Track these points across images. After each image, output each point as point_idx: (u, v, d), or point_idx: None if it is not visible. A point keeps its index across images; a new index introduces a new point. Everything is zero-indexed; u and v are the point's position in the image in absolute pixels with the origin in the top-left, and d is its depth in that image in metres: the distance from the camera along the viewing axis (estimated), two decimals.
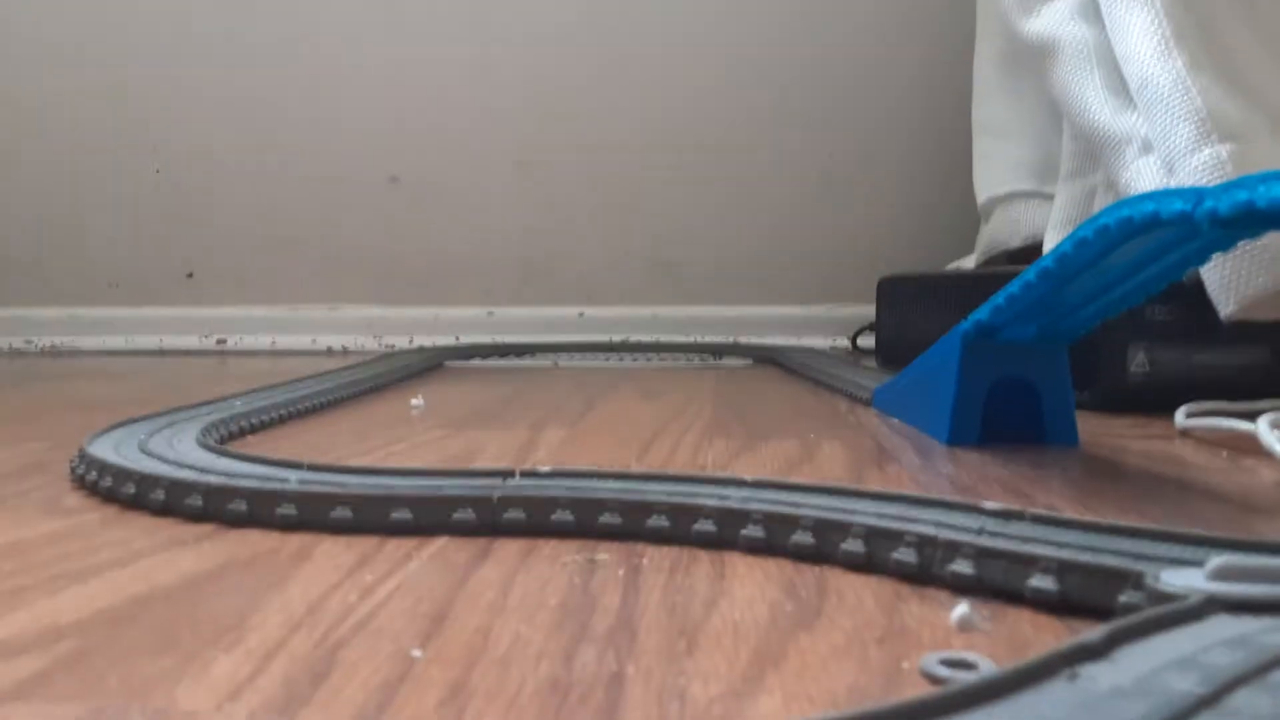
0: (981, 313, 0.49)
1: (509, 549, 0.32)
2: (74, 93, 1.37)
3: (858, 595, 0.27)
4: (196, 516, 0.35)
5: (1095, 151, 0.71)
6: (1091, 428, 0.57)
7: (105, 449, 0.42)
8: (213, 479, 0.36)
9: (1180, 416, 0.57)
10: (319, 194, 1.37)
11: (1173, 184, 0.62)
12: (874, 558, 0.29)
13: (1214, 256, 0.46)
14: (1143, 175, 0.65)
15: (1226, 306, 0.58)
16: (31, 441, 0.54)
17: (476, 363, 1.13)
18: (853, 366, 0.91)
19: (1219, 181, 0.47)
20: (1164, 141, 0.63)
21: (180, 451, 0.42)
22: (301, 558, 0.31)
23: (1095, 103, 0.70)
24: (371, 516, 0.34)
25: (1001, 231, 0.91)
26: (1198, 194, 0.34)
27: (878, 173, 1.33)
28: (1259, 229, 0.35)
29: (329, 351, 1.33)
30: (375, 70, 1.35)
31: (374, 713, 0.20)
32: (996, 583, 0.27)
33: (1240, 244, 0.54)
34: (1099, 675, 0.18)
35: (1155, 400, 0.63)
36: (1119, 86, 0.69)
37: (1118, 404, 0.65)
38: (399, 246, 1.37)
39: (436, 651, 0.23)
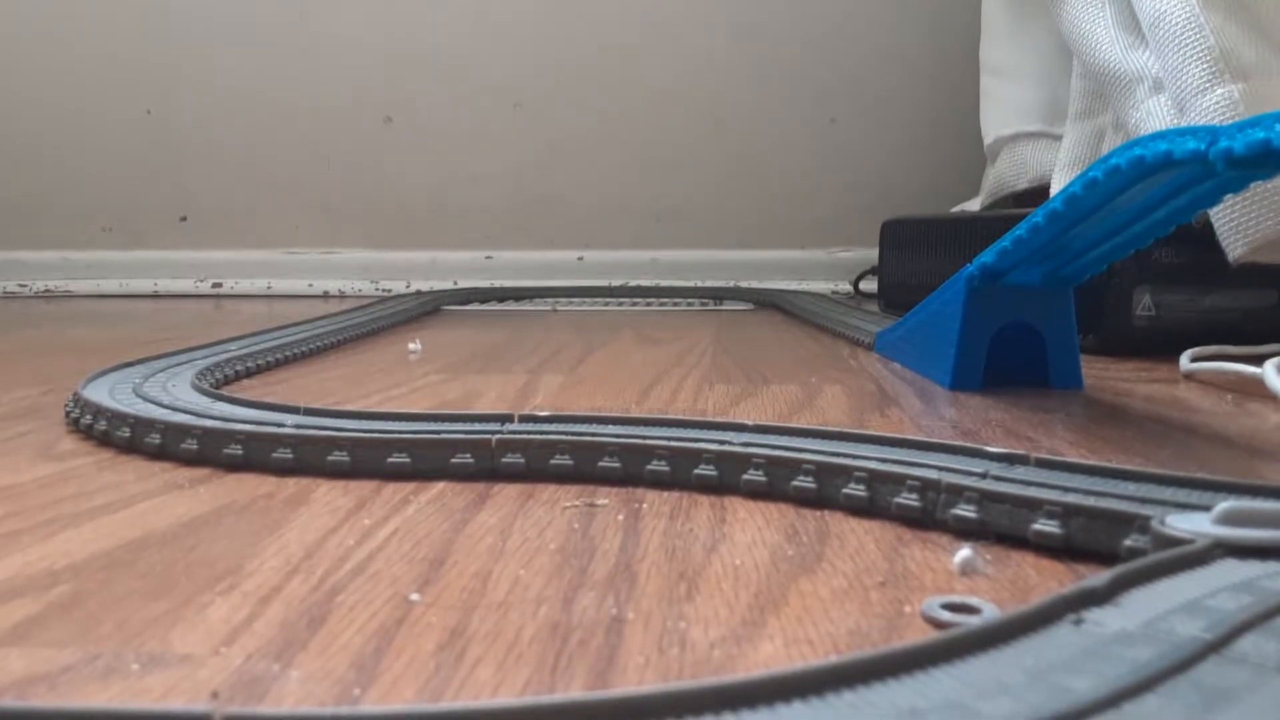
0: (987, 256, 0.48)
1: (508, 494, 0.32)
2: (65, 34, 1.35)
3: (859, 540, 0.27)
4: (192, 460, 0.35)
5: (1105, 91, 0.70)
6: (1096, 372, 0.57)
7: (100, 393, 0.42)
8: (209, 422, 0.36)
9: (1185, 360, 0.56)
10: (313, 136, 1.35)
11: (1184, 124, 0.61)
12: (876, 502, 0.29)
13: (1225, 198, 0.46)
14: (1153, 115, 0.64)
15: (1236, 249, 0.57)
16: (26, 385, 0.53)
17: (474, 307, 1.13)
18: (855, 311, 0.91)
19: (1231, 121, 0.46)
20: (1175, 80, 0.61)
21: (176, 395, 0.42)
22: (298, 502, 0.31)
23: (1106, 40, 0.68)
24: (369, 461, 0.33)
25: (1008, 173, 0.90)
26: (1212, 133, 0.33)
27: (881, 113, 1.31)
28: (1275, 169, 0.34)
29: (325, 296, 1.32)
30: (369, 8, 1.32)
31: (371, 657, 0.19)
32: (1000, 527, 0.27)
33: (1252, 186, 0.53)
34: (1104, 620, 0.18)
35: (1160, 344, 0.63)
36: (1131, 24, 0.67)
37: (1123, 348, 0.64)
38: (395, 190, 1.35)
39: (435, 596, 0.23)
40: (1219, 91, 0.59)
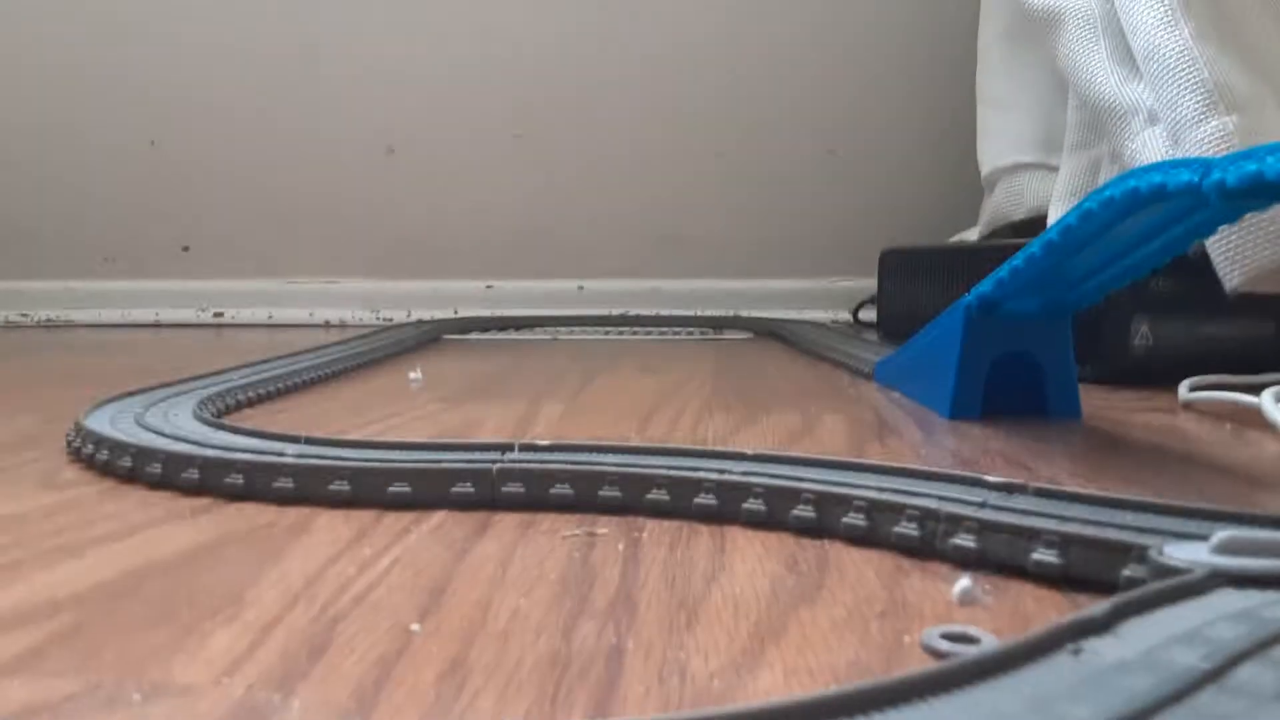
0: (984, 286, 0.48)
1: (508, 523, 0.32)
2: (69, 64, 1.36)
3: (859, 569, 0.27)
4: (193, 490, 0.35)
5: (1101, 122, 0.71)
6: (1094, 401, 0.57)
7: (102, 422, 0.42)
8: (210, 452, 0.36)
9: (1183, 390, 0.57)
10: (315, 166, 1.36)
11: (1178, 155, 0.61)
12: (875, 531, 0.29)
13: (1220, 229, 0.46)
14: (1148, 146, 0.64)
15: (1232, 279, 0.57)
16: (27, 415, 0.53)
17: (475, 336, 1.13)
18: (854, 340, 0.91)
19: (1225, 153, 0.46)
20: (1170, 112, 0.62)
21: (177, 424, 0.42)
22: (299, 531, 0.31)
23: (1101, 73, 0.69)
24: (369, 490, 0.33)
25: (1005, 203, 0.90)
26: (1205, 165, 0.33)
27: (880, 144, 1.32)
28: (1267, 201, 0.35)
29: (326, 325, 1.32)
30: (371, 40, 1.34)
31: (372, 687, 0.19)
32: (999, 557, 0.27)
33: (1247, 216, 0.53)
34: (1103, 649, 0.18)
35: (1158, 373, 0.63)
36: (1125, 56, 0.68)
37: (1121, 377, 0.64)
38: (396, 219, 1.36)
39: (435, 626, 0.23)
40: (1213, 123, 0.60)
